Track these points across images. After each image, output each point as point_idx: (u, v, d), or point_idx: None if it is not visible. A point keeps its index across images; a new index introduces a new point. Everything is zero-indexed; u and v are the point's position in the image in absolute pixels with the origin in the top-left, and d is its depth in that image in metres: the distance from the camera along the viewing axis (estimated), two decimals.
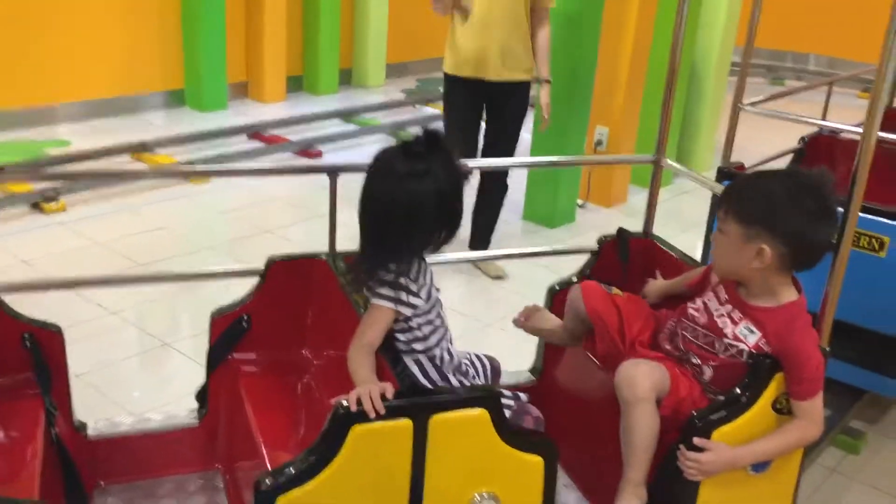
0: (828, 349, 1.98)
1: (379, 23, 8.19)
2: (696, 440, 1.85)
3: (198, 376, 2.27)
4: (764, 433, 1.90)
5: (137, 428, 2.19)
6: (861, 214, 2.18)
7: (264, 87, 7.37)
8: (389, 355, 1.80)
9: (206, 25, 6.72)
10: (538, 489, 1.76)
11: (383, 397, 1.58)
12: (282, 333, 2.23)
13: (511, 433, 1.70)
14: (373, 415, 1.56)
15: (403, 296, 1.78)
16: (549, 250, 3.14)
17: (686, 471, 1.85)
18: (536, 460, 1.74)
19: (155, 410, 2.30)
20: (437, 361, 1.90)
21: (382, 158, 1.82)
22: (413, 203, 1.74)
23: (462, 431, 1.66)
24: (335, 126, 6.81)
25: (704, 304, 1.97)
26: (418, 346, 1.87)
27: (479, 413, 1.66)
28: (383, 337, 1.79)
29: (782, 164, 3.66)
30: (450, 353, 1.93)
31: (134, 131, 6.15)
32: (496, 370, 2.07)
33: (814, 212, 1.79)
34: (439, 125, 4.49)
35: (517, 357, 2.53)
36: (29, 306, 2.06)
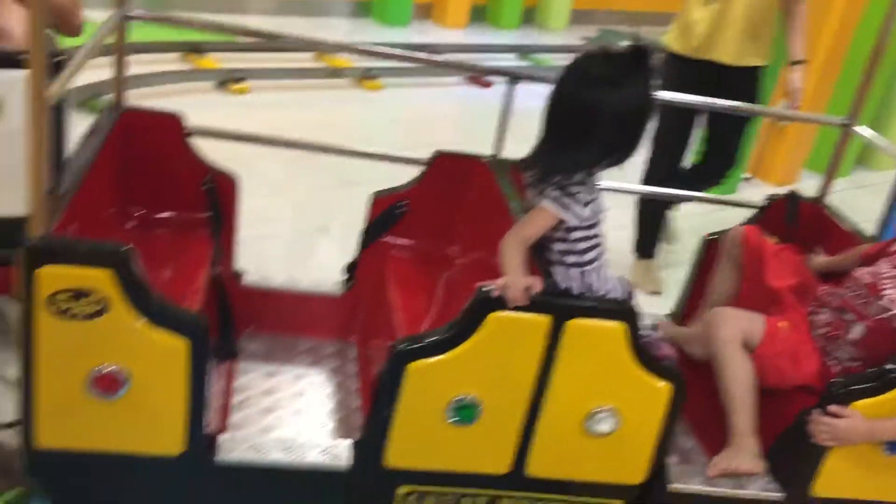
0: None
1: None
2: (832, 407, 1.80)
3: (341, 261, 2.38)
4: None
5: (287, 286, 2.33)
6: None
7: (447, 11, 7.43)
8: (542, 258, 1.82)
9: None
10: (660, 416, 1.76)
11: (529, 292, 1.61)
12: (435, 225, 2.30)
13: (644, 354, 1.71)
14: (513, 305, 1.60)
15: (571, 204, 1.77)
16: (715, 197, 3.03)
17: (818, 436, 1.81)
18: (664, 386, 1.74)
19: (305, 275, 2.43)
20: (586, 278, 1.91)
21: (580, 60, 1.80)
22: (596, 110, 1.71)
23: (596, 341, 1.68)
24: (509, 61, 6.80)
25: (875, 269, 1.90)
26: (570, 259, 1.87)
27: (616, 326, 1.67)
28: (538, 237, 1.81)
29: None
30: (599, 272, 1.93)
31: (319, 34, 6.36)
32: (630, 293, 2.05)
33: None
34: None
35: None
36: None
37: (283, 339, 2.31)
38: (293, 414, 2.07)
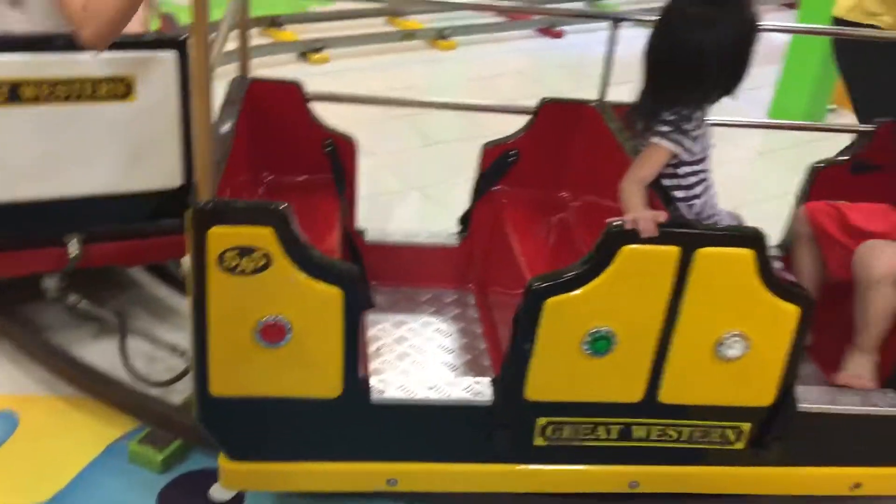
0: None
1: None
2: None
3: (440, 217, 2.47)
4: None
5: (406, 240, 2.44)
6: None
7: None
8: (661, 194, 1.88)
9: None
10: (789, 339, 1.82)
11: (657, 223, 1.69)
12: (546, 172, 2.38)
13: (773, 278, 1.76)
14: (646, 235, 1.67)
15: (682, 139, 1.84)
16: (814, 125, 3.03)
17: None
18: (793, 309, 1.79)
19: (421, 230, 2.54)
20: (696, 210, 1.97)
21: (675, 2, 1.86)
22: (697, 50, 1.77)
23: (726, 268, 1.74)
24: (582, 8, 6.74)
25: None
26: (679, 194, 1.94)
27: (745, 252, 1.72)
28: (656, 175, 1.87)
29: None
30: (708, 206, 1.99)
31: None
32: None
33: None
34: None
35: None
36: None
37: (404, 290, 2.43)
38: (427, 357, 2.19)
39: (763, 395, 1.89)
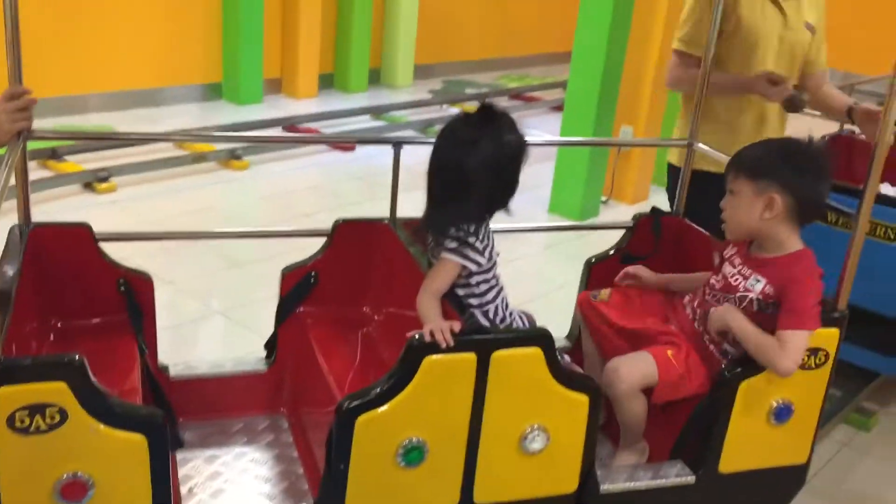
0: (844, 313, 2.16)
1: (408, 24, 8.43)
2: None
3: (247, 342, 2.48)
4: (788, 390, 2.11)
5: (212, 371, 2.41)
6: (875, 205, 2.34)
7: (297, 82, 7.62)
8: (455, 304, 2.00)
9: (245, 22, 6.99)
10: (583, 425, 1.97)
11: (452, 333, 1.80)
12: (346, 290, 2.45)
13: (561, 372, 1.91)
14: (444, 346, 1.77)
15: (469, 252, 1.99)
16: (589, 224, 3.33)
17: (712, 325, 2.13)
18: (583, 398, 1.95)
19: (226, 359, 2.51)
20: (490, 315, 2.11)
21: (448, 125, 2.04)
22: (464, 168, 1.95)
23: (519, 367, 1.87)
24: (365, 122, 7.05)
25: (722, 274, 2.19)
26: (474, 301, 2.08)
27: (534, 351, 1.87)
28: (448, 287, 2.00)
29: None
30: (501, 309, 2.14)
31: (175, 121, 6.40)
32: (532, 324, 2.27)
33: (811, 169, 2.05)
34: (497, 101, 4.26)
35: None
36: None
37: (215, 423, 2.38)
38: (244, 490, 2.14)
39: (568, 481, 2.01)
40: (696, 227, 2.67)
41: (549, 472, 1.98)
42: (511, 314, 2.19)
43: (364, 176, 5.69)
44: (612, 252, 2.68)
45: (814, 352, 2.09)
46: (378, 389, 1.77)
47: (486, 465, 1.91)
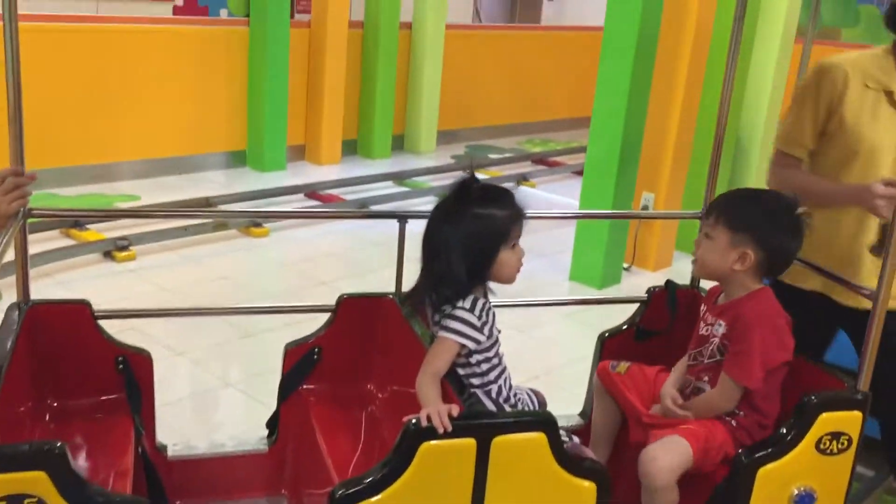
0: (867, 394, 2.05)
1: (431, 92, 8.52)
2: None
3: (257, 415, 2.44)
4: (810, 477, 2.00)
5: (212, 451, 2.35)
6: None
7: (321, 149, 7.70)
8: (455, 384, 1.94)
9: (270, 89, 7.09)
10: None
11: (451, 417, 1.73)
12: (350, 367, 2.40)
13: (566, 458, 1.83)
14: (441, 431, 1.70)
15: (467, 330, 1.93)
16: (602, 298, 3.27)
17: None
18: (590, 486, 1.85)
19: (228, 437, 2.46)
20: (494, 395, 2.04)
21: (441, 198, 2.02)
22: (441, 241, 1.93)
23: (522, 453, 1.79)
24: (388, 188, 7.07)
25: (697, 333, 2.25)
26: (475, 381, 2.02)
27: (537, 436, 1.79)
28: (448, 367, 1.94)
29: None
30: (505, 388, 2.07)
31: (199, 188, 6.47)
32: (542, 403, 2.20)
33: (790, 227, 2.12)
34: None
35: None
36: None
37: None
38: None
39: None
40: None
41: None
42: (516, 394, 2.12)
43: (384, 242, 5.64)
44: (625, 327, 2.60)
45: (835, 436, 1.99)
46: (371, 478, 1.70)
47: None
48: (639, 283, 5.30)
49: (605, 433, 2.44)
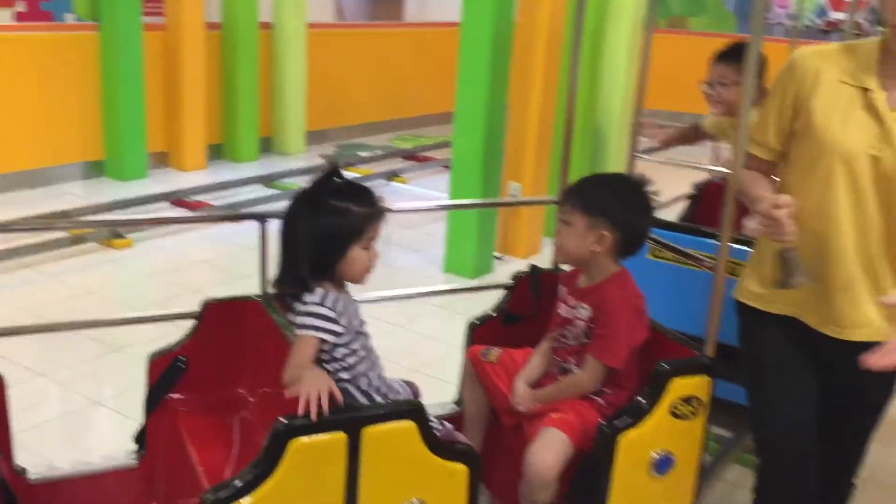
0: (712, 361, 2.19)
1: (297, 92, 8.42)
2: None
3: (129, 431, 2.37)
4: (667, 440, 2.12)
5: (77, 470, 2.26)
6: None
7: (185, 155, 7.48)
8: None
9: (125, 95, 6.83)
10: (464, 495, 1.92)
11: (321, 412, 1.72)
12: (218, 373, 2.35)
13: (437, 444, 1.87)
14: (314, 417, 1.70)
15: (321, 323, 1.92)
16: (471, 286, 3.34)
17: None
18: (461, 468, 1.90)
19: (95, 456, 2.37)
20: (364, 387, 2.06)
21: (299, 189, 2.04)
22: (298, 229, 1.95)
23: (392, 442, 1.81)
24: (257, 191, 6.96)
25: (559, 315, 2.36)
26: (345, 375, 2.02)
27: (407, 425, 1.82)
28: (312, 360, 1.94)
29: (678, 209, 4.00)
30: (375, 380, 2.09)
31: (55, 201, 6.17)
32: (416, 394, 2.23)
33: (640, 206, 2.26)
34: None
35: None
36: None
37: None
38: None
39: None
40: None
41: None
42: (390, 385, 2.14)
43: (254, 245, 5.55)
44: (493, 313, 2.67)
45: (687, 400, 2.12)
46: (242, 480, 1.69)
47: None
48: (510, 271, 5.38)
49: (477, 418, 2.51)
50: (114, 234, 5.43)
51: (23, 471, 2.19)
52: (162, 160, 7.48)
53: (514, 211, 5.62)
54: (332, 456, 1.76)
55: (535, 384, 2.37)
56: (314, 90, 8.62)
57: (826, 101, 2.00)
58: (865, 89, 1.96)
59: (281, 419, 1.72)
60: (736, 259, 3.00)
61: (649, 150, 3.75)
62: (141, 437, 2.34)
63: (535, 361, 2.40)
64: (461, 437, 2.17)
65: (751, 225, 2.42)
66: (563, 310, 2.36)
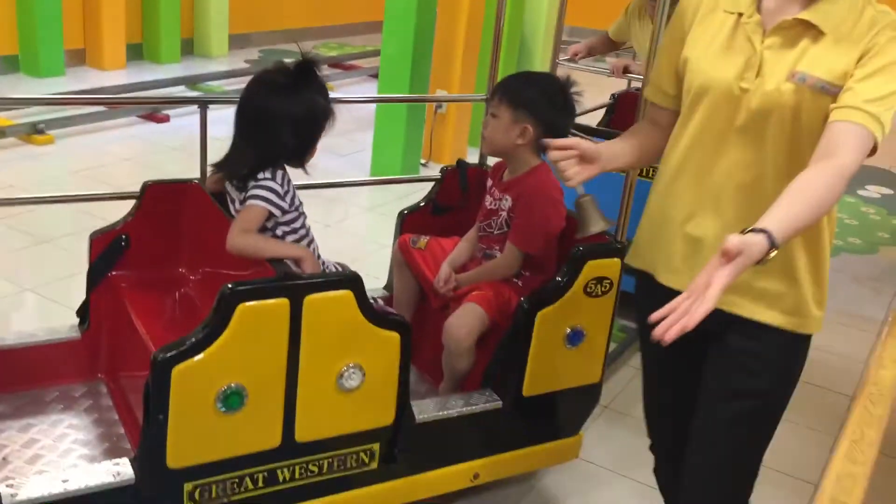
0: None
1: None
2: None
3: (65, 318, 2.46)
4: (579, 317, 2.34)
5: (21, 342, 2.35)
6: None
7: (103, 54, 7.28)
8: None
9: None
10: (396, 361, 2.10)
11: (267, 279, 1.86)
12: (159, 252, 2.45)
13: (372, 312, 2.03)
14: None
15: (272, 197, 2.05)
16: (402, 178, 3.48)
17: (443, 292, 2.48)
18: (394, 336, 2.07)
19: (37, 329, 2.45)
20: (316, 251, 2.20)
21: (260, 73, 2.13)
22: (272, 113, 2.04)
23: (332, 309, 1.97)
24: (179, 93, 6.85)
25: (485, 206, 2.53)
26: (292, 238, 2.16)
27: (345, 294, 1.97)
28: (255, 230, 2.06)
29: (597, 117, 4.19)
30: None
31: None
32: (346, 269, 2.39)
33: (563, 106, 2.41)
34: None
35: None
36: None
37: (29, 393, 2.33)
38: (62, 455, 2.12)
39: (384, 415, 2.14)
40: None
41: (367, 407, 2.10)
42: (324, 263, 2.29)
43: (180, 146, 5.55)
44: (422, 203, 2.82)
45: (599, 280, 2.33)
46: (193, 339, 1.82)
47: (305, 405, 2.00)
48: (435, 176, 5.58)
49: (405, 300, 2.69)
50: (34, 129, 5.32)
51: None
52: (79, 58, 7.26)
53: (440, 119, 5.72)
54: (275, 320, 1.90)
55: (461, 269, 2.55)
56: None
57: (702, 30, 1.73)
58: (740, 14, 1.69)
59: (228, 285, 1.84)
60: None
61: (570, 61, 3.92)
62: (83, 312, 2.43)
63: (461, 247, 2.58)
64: (392, 311, 2.34)
65: None
66: (488, 201, 2.53)
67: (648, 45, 2.34)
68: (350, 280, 1.99)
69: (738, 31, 1.68)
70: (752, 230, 1.40)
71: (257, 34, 9.12)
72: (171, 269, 2.49)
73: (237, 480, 1.98)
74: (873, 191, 6.45)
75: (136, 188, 2.44)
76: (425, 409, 2.24)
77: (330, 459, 2.10)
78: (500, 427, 2.37)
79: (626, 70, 4.00)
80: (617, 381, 3.35)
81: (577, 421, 2.56)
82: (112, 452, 2.14)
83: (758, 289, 1.70)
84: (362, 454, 2.14)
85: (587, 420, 2.61)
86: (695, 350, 1.80)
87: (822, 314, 1.76)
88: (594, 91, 4.71)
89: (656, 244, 1.83)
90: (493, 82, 2.97)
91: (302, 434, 2.03)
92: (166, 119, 6.08)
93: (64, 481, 1.80)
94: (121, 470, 1.85)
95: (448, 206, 2.83)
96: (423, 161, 5.70)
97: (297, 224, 2.15)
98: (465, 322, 2.33)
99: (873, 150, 1.55)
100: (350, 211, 4.81)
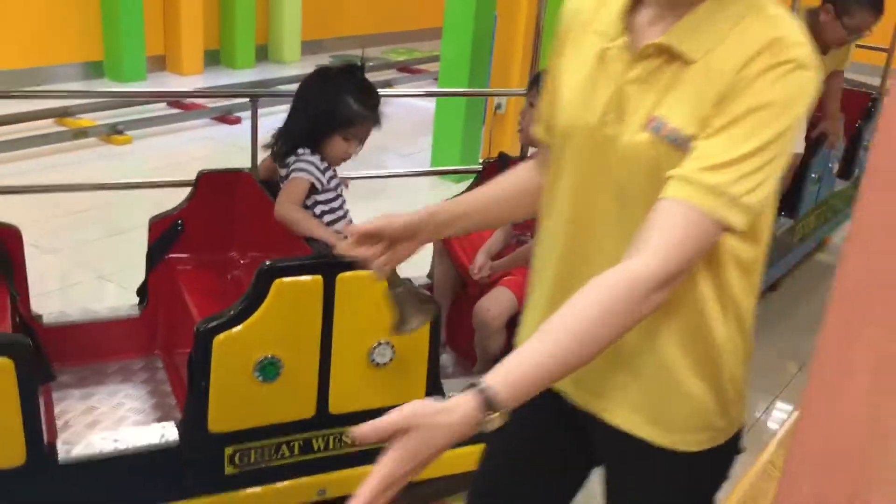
0: None
1: (293, 0, 8.49)
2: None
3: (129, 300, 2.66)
4: None
5: (86, 318, 2.54)
6: None
7: (182, 59, 7.61)
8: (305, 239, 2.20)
9: None
10: (426, 339, 2.20)
11: (300, 258, 2.00)
12: (213, 237, 2.61)
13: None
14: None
15: (313, 170, 2.24)
16: (445, 169, 3.59)
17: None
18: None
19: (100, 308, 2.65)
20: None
21: (325, 67, 2.36)
22: (299, 95, 2.31)
23: (363, 287, 2.08)
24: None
25: None
26: (328, 218, 2.30)
27: None
28: (301, 202, 2.22)
29: None
30: None
31: (55, 99, 6.33)
32: None
33: None
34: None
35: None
36: None
37: (91, 367, 2.52)
38: (117, 422, 2.30)
39: (415, 391, 2.24)
40: None
41: (398, 382, 2.21)
42: None
43: (247, 145, 5.76)
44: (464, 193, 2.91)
45: None
46: (232, 312, 1.96)
47: (338, 378, 2.12)
48: None
49: (444, 287, 2.79)
50: (114, 130, 5.63)
51: (39, 316, 2.47)
52: (160, 64, 7.61)
53: (498, 119, 5.81)
54: (309, 295, 2.03)
55: (497, 256, 2.64)
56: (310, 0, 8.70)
57: (574, 53, 1.30)
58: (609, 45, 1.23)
59: (266, 262, 1.98)
60: None
61: None
62: (142, 292, 2.61)
63: (497, 235, 2.66)
64: (425, 293, 2.44)
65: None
66: None
67: None
68: None
69: (605, 56, 1.22)
70: (470, 385, 1.02)
71: (329, 40, 9.37)
72: (222, 253, 2.65)
73: (274, 447, 2.12)
74: None
75: None
76: (455, 388, 2.32)
77: None
78: None
79: None
80: None
81: None
82: (163, 420, 2.30)
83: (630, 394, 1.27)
84: None
85: None
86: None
87: (735, 420, 1.30)
88: None
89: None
90: (534, 70, 3.05)
91: (335, 406, 2.14)
92: (238, 121, 6.34)
93: (115, 441, 1.96)
94: (166, 433, 2.00)
95: None
96: (481, 161, 5.78)
97: (336, 204, 2.29)
98: (494, 305, 2.42)
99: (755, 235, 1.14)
100: (409, 207, 4.93)
